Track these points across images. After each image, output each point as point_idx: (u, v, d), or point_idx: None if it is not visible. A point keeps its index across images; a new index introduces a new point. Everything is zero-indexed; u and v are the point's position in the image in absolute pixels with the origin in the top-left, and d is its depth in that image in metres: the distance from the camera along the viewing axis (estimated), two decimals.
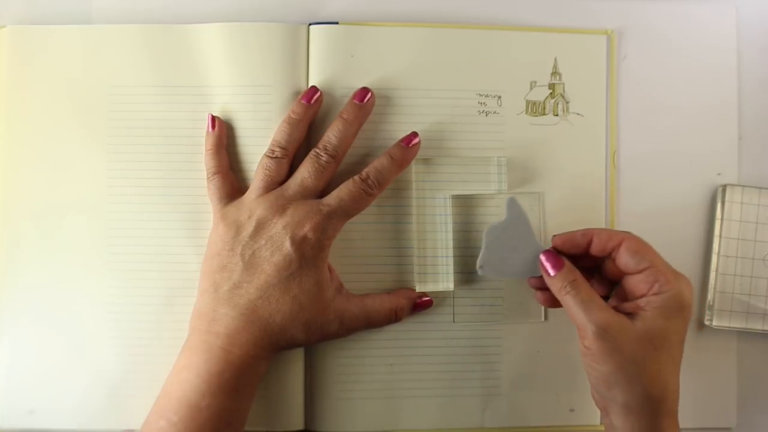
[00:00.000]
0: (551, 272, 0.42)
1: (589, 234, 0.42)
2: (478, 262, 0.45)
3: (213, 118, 0.46)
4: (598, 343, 0.38)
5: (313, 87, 0.46)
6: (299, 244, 0.42)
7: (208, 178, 0.46)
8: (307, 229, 0.42)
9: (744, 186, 0.49)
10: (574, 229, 0.43)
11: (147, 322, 0.47)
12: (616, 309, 0.40)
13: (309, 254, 0.42)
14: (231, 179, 0.46)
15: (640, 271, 0.40)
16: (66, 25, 0.48)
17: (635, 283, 0.40)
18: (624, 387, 0.38)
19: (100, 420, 0.47)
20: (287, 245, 0.42)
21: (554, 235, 0.44)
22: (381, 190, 0.44)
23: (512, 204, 0.45)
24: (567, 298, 0.40)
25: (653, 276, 0.39)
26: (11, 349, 0.47)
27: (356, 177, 0.44)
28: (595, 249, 0.42)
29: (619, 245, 0.40)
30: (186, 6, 0.48)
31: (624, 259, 0.40)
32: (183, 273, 0.47)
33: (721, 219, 0.48)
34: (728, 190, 0.48)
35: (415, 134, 0.46)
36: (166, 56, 0.47)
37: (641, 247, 0.40)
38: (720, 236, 0.48)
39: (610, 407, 0.39)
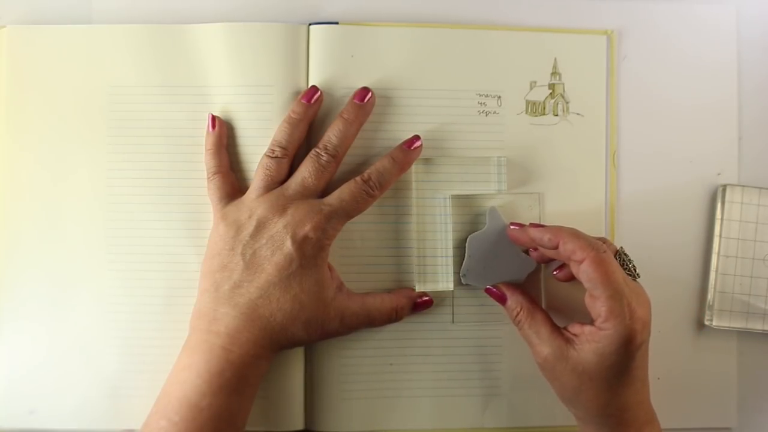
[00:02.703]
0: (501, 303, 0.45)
1: (556, 240, 0.41)
2: (461, 271, 0.46)
3: (213, 118, 0.46)
4: (542, 372, 0.42)
5: (314, 87, 0.46)
6: (300, 243, 0.42)
7: (208, 178, 0.46)
8: (307, 228, 0.42)
9: (744, 186, 0.49)
10: (553, 225, 0.43)
11: (147, 322, 0.47)
12: (567, 329, 0.42)
13: (309, 253, 0.42)
14: (231, 179, 0.46)
15: (596, 297, 0.39)
16: (66, 25, 0.48)
17: (590, 305, 0.40)
18: (569, 405, 0.42)
19: (100, 420, 0.47)
20: (288, 244, 0.42)
21: (511, 224, 0.45)
22: (382, 191, 0.45)
23: (493, 213, 0.46)
24: (517, 330, 0.44)
25: (600, 308, 0.39)
26: (11, 349, 0.47)
27: (358, 178, 0.44)
28: (563, 256, 0.42)
29: (580, 263, 0.40)
30: (186, 6, 0.48)
31: (582, 279, 0.40)
32: (183, 273, 0.47)
33: (721, 219, 0.48)
34: (728, 190, 0.48)
35: (417, 137, 0.46)
36: (167, 56, 0.47)
37: (596, 276, 0.39)
38: (720, 236, 0.48)
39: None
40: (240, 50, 0.47)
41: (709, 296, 0.48)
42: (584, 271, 0.39)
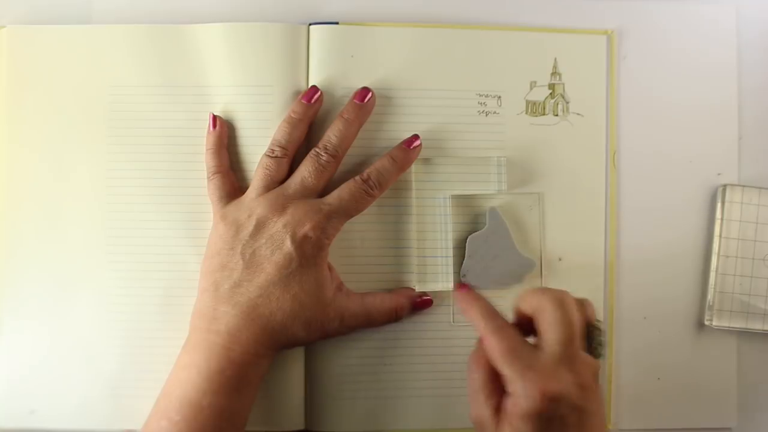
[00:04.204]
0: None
1: (466, 314, 0.39)
2: (461, 271, 0.46)
3: (214, 118, 0.46)
4: None
5: (314, 87, 0.46)
6: (299, 242, 0.42)
7: (208, 178, 0.46)
8: (307, 227, 0.42)
9: (744, 186, 0.49)
10: (474, 296, 0.39)
11: (147, 321, 0.47)
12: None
13: (309, 253, 0.42)
14: (231, 179, 0.46)
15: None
16: (66, 25, 0.48)
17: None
18: None
19: (100, 420, 0.47)
20: (288, 244, 0.42)
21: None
22: (382, 191, 0.45)
23: (493, 214, 0.46)
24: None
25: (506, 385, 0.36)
26: (11, 349, 0.47)
27: (357, 177, 0.44)
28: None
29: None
30: (186, 6, 0.48)
31: None
32: (183, 273, 0.47)
33: (721, 219, 0.48)
34: (728, 190, 0.48)
35: (416, 137, 0.46)
36: (167, 56, 0.47)
37: (492, 355, 0.36)
38: (720, 236, 0.48)
39: None
40: (240, 50, 0.47)
41: (709, 296, 0.48)
42: (486, 350, 0.37)
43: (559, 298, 0.36)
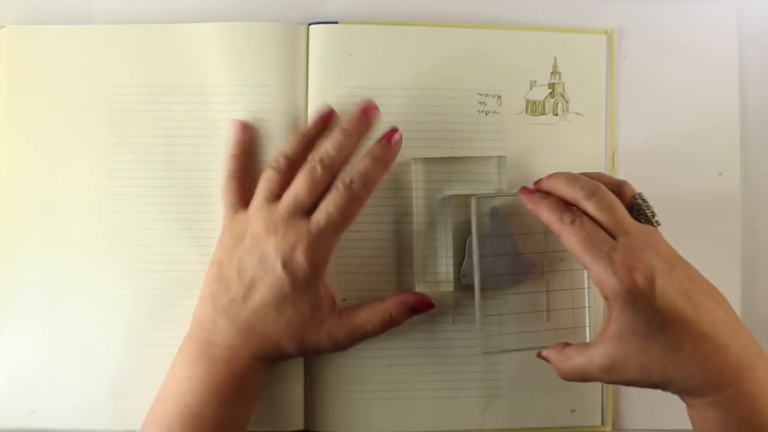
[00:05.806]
0: None
1: (535, 211, 0.41)
2: (462, 271, 0.46)
3: (240, 124, 0.46)
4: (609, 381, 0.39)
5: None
6: (291, 269, 0.41)
7: (223, 181, 0.45)
8: (297, 252, 0.41)
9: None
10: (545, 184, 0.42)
11: (147, 322, 0.47)
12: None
13: (302, 278, 0.41)
14: (245, 185, 0.45)
15: (587, 268, 0.38)
16: (66, 25, 0.48)
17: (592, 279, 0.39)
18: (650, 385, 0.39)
19: (100, 420, 0.47)
20: (278, 269, 0.41)
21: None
22: (369, 192, 0.42)
23: (495, 213, 0.46)
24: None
25: (593, 278, 0.38)
26: (11, 349, 0.47)
27: (339, 185, 0.42)
28: None
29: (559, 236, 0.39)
30: (185, 6, 0.49)
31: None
32: (183, 273, 0.47)
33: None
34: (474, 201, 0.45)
35: (395, 130, 0.44)
36: (166, 56, 0.47)
37: (572, 248, 0.39)
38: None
39: None
40: (240, 50, 0.47)
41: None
42: (564, 245, 0.39)
43: (592, 190, 0.39)
